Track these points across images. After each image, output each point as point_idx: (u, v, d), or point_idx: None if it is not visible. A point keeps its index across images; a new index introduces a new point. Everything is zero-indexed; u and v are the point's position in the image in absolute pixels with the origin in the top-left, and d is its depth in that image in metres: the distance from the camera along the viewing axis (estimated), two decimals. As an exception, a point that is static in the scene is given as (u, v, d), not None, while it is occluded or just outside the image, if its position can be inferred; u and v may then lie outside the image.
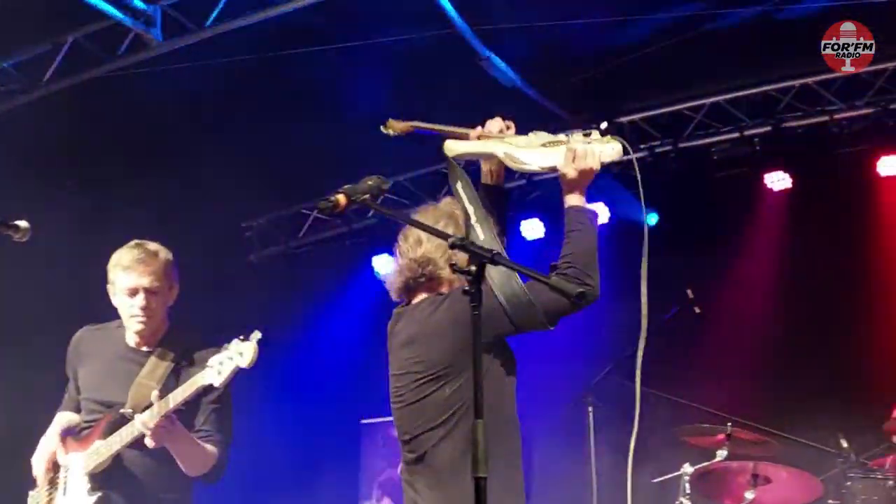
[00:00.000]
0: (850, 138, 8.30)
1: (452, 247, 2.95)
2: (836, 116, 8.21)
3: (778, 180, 8.48)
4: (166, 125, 7.92)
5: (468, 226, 3.62)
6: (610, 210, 9.01)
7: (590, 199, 9.04)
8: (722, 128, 8.56)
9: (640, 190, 3.77)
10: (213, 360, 4.13)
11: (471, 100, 8.25)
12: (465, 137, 3.87)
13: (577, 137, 3.74)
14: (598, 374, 7.49)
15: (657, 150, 8.77)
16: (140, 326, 4.44)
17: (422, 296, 3.76)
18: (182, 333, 4.54)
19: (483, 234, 3.56)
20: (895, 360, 7.72)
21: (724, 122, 8.55)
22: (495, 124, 3.89)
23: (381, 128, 3.96)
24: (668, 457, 7.25)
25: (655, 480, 7.22)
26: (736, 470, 6.45)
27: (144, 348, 4.49)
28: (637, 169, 3.77)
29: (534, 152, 3.76)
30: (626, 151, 3.73)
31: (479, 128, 3.88)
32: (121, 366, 4.47)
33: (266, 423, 8.88)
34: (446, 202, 3.89)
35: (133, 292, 4.39)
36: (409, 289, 3.80)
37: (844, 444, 6.41)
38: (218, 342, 4.20)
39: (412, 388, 3.69)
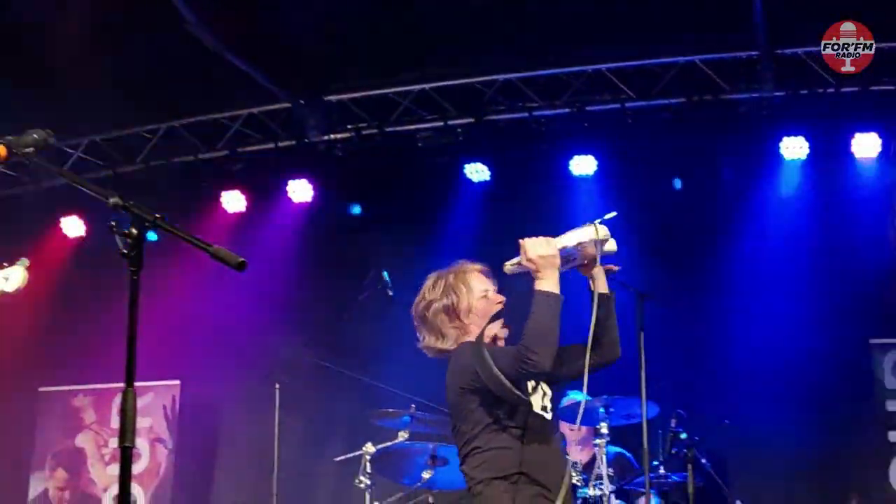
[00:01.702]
0: (548, 136, 8.57)
1: (115, 207, 2.81)
2: (536, 113, 8.46)
3: (477, 171, 8.66)
4: None
5: None
6: (314, 189, 8.98)
7: (294, 177, 8.96)
8: (427, 115, 8.66)
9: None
10: None
11: (174, 62, 8.03)
12: None
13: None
14: (288, 351, 7.44)
15: (363, 132, 8.77)
16: None
17: None
18: None
19: None
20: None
21: (430, 111, 8.64)
22: None
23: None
24: (354, 436, 7.30)
25: (337, 459, 7.26)
26: (416, 451, 6.54)
27: None
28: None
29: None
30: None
31: None
32: None
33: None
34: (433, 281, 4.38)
35: None
36: None
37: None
38: None
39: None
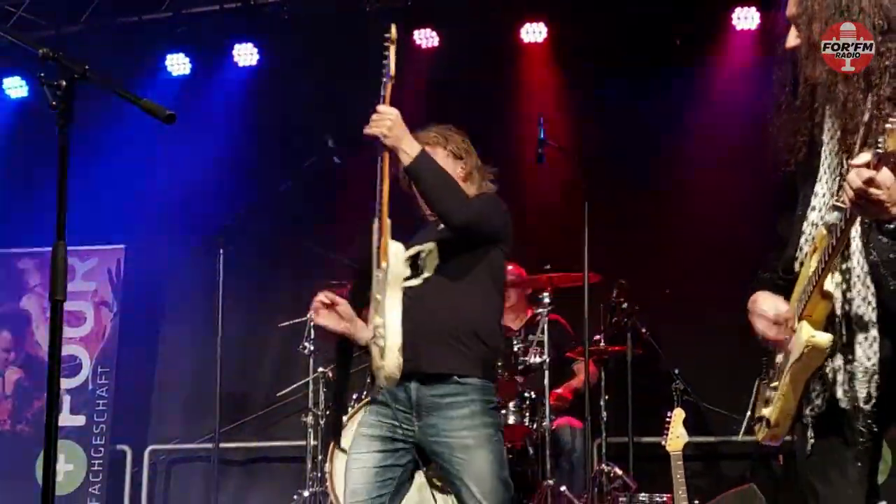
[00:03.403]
0: (498, 2, 8.45)
1: (43, 58, 2.75)
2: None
3: (427, 37, 8.54)
4: None
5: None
6: (259, 53, 8.84)
7: (240, 40, 8.65)
8: (373, -22, 8.48)
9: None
10: None
11: None
12: None
13: None
14: (232, 216, 7.41)
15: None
16: None
17: None
18: None
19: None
20: (514, 222, 8.06)
21: (375, -28, 8.46)
22: None
23: None
24: (298, 302, 7.33)
25: (282, 325, 7.32)
26: (361, 318, 6.56)
27: None
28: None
29: None
30: None
31: None
32: None
33: None
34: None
35: None
36: None
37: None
38: None
39: None
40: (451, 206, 3.96)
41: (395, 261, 3.86)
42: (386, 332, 3.78)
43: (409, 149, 3.90)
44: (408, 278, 4.04)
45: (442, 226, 4.13)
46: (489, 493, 3.90)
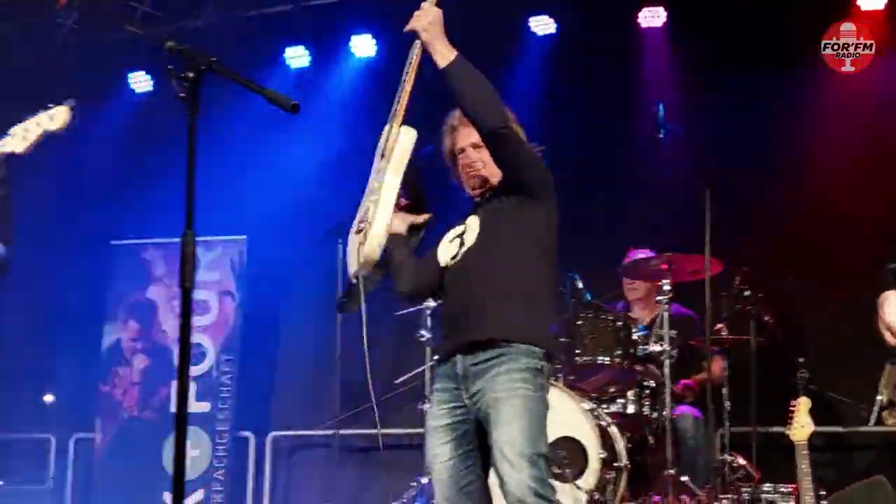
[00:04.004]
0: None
1: (170, 51, 2.82)
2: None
3: (542, 24, 8.49)
4: None
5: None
6: (378, 44, 8.90)
7: (358, 31, 8.71)
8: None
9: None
10: (17, 129, 3.87)
11: None
12: None
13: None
14: (350, 207, 7.46)
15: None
16: None
17: None
18: None
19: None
20: (634, 208, 8.00)
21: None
22: None
23: None
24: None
25: (398, 313, 7.33)
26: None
27: None
28: None
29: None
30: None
31: None
32: None
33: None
34: None
35: None
36: None
37: (580, 285, 6.60)
38: None
39: None
40: (487, 109, 3.89)
41: (406, 139, 3.98)
42: (378, 207, 3.92)
43: (445, 49, 3.89)
44: (453, 256, 4.07)
45: (486, 195, 4.16)
46: (520, 443, 3.71)
